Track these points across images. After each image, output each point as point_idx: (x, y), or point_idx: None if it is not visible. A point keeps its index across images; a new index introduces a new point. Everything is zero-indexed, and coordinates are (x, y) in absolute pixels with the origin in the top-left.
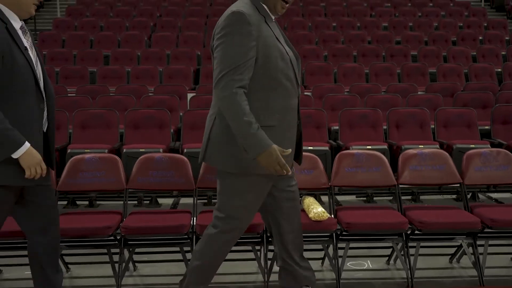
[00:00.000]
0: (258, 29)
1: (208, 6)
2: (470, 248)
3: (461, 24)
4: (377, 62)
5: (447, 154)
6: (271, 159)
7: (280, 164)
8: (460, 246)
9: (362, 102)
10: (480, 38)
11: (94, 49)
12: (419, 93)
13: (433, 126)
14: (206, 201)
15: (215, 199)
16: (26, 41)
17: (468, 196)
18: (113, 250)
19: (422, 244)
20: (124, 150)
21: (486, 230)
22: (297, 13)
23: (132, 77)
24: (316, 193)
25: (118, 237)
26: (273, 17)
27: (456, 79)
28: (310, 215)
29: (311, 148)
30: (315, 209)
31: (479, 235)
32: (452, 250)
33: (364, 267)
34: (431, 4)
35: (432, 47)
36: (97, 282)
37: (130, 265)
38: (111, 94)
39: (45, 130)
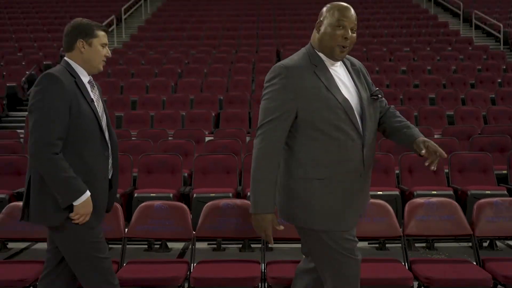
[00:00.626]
0: (298, 81)
1: (233, 53)
2: None
3: (480, 67)
4: (394, 105)
5: (456, 204)
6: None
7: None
8: None
9: (377, 146)
10: (499, 80)
11: (124, 95)
12: (435, 136)
13: (447, 171)
14: (215, 246)
15: (225, 244)
16: (93, 94)
17: (486, 244)
18: None
19: None
20: (135, 195)
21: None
22: None
23: (155, 121)
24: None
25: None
26: (334, 63)
27: (474, 121)
28: None
29: (381, 193)
30: None
31: None
32: None
33: None
34: (449, 48)
35: (450, 90)
36: None
37: None
38: (132, 138)
39: (110, 177)
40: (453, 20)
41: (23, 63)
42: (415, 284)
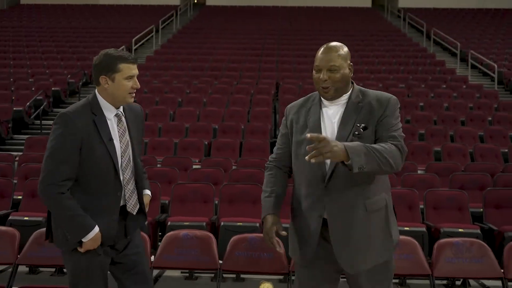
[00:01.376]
0: (291, 116)
1: (234, 84)
2: None
3: (472, 105)
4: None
5: (415, 243)
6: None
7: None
8: None
9: None
10: (489, 119)
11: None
12: (418, 172)
13: (422, 207)
14: (187, 274)
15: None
16: (118, 129)
17: (459, 282)
18: None
19: None
20: (169, 223)
21: None
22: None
23: (149, 148)
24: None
25: None
26: (331, 102)
27: (460, 159)
28: None
29: (407, 229)
30: None
31: None
32: None
33: None
34: (444, 86)
35: (439, 127)
36: None
37: None
38: (158, 165)
39: (135, 213)
40: (450, 59)
41: (33, 89)
42: None
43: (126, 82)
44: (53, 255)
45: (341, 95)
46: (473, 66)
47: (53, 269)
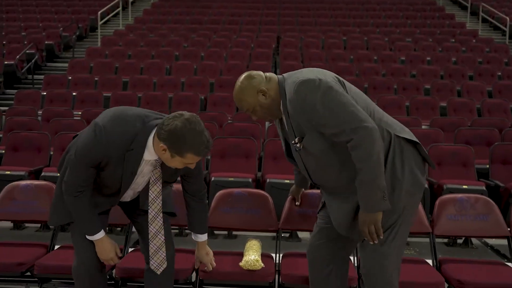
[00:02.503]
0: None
1: (234, 38)
2: None
3: (481, 60)
4: (386, 95)
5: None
6: None
7: None
8: None
9: None
10: (499, 74)
11: (117, 75)
12: (422, 127)
13: None
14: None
15: None
16: (152, 174)
17: (461, 241)
18: None
19: None
20: (213, 179)
21: None
22: (316, 45)
23: (142, 102)
24: None
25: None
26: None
27: (467, 114)
28: (240, 263)
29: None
30: (249, 255)
31: None
32: None
33: None
34: (453, 40)
35: (446, 81)
36: None
37: None
38: None
39: (159, 272)
40: (460, 13)
41: (25, 42)
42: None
43: (180, 164)
44: (29, 211)
45: (279, 112)
46: (484, 20)
47: (39, 225)
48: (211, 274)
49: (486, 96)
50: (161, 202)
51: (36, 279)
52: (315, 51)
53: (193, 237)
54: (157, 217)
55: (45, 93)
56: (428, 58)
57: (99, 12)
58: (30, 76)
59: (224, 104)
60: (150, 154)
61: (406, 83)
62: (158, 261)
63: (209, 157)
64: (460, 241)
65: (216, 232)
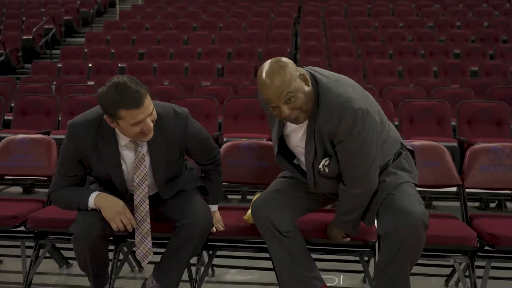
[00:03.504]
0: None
1: (253, 8)
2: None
3: None
4: (412, 59)
5: (443, 148)
6: None
7: None
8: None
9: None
10: None
11: (134, 46)
12: (452, 86)
13: (454, 124)
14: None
15: None
16: (135, 157)
17: (494, 205)
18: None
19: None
20: (225, 139)
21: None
22: (339, 13)
23: (158, 71)
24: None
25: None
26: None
27: (501, 77)
28: (244, 216)
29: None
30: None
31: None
32: None
33: None
34: (485, 5)
35: (477, 45)
36: None
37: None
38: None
39: (145, 262)
40: None
41: (44, 18)
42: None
43: (133, 128)
44: (26, 164)
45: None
46: None
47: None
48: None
49: None
50: (146, 188)
51: (32, 235)
52: (337, 19)
53: None
54: (143, 203)
55: (60, 65)
56: (458, 24)
57: None
58: (48, 51)
59: (241, 72)
60: (124, 139)
61: (434, 47)
62: (143, 251)
63: (221, 120)
64: (492, 204)
65: (229, 196)
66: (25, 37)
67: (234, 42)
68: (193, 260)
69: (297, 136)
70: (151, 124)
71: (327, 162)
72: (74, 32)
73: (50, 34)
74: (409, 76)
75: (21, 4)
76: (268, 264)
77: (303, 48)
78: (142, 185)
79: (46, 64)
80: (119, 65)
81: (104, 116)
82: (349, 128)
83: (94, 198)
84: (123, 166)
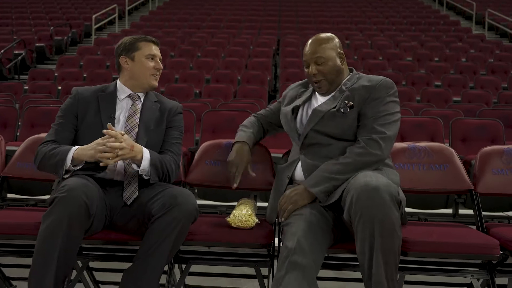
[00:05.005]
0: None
1: (234, 37)
2: None
3: (492, 60)
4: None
5: (451, 150)
6: None
7: None
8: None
9: None
10: None
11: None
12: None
13: (447, 144)
14: None
15: None
16: (129, 111)
17: None
18: None
19: None
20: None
21: None
22: None
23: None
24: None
25: None
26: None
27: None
28: (227, 218)
29: None
30: (239, 210)
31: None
32: None
33: None
34: (460, 43)
35: (458, 76)
36: None
37: None
38: None
39: (129, 203)
40: (465, 22)
41: (14, 45)
42: None
43: (148, 61)
44: None
45: (335, 88)
46: (490, 29)
47: None
48: (189, 236)
49: (501, 90)
50: (135, 135)
51: None
52: None
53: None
54: (132, 131)
55: (27, 87)
56: (436, 59)
57: (94, 16)
58: (17, 77)
59: (220, 95)
60: (123, 93)
61: (415, 77)
62: (130, 192)
63: (198, 138)
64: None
65: (207, 203)
66: None
67: (213, 69)
68: (162, 279)
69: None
70: (161, 65)
71: (350, 104)
72: (46, 59)
73: (20, 58)
74: None
75: None
76: (254, 284)
77: (284, 75)
78: (131, 132)
79: (12, 85)
80: None
81: (120, 57)
82: (388, 88)
83: (74, 151)
84: (116, 119)
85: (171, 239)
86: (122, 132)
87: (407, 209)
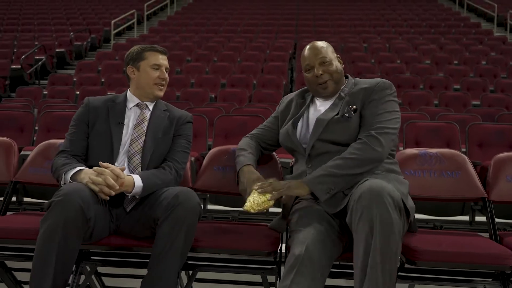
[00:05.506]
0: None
1: (251, 41)
2: None
3: None
4: (411, 90)
5: (464, 157)
6: None
7: None
8: None
9: None
10: None
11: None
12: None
13: (464, 150)
14: None
15: None
16: (137, 119)
17: None
18: None
19: None
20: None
21: None
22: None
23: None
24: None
25: None
26: (320, 99)
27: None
28: (244, 206)
29: None
30: (253, 195)
31: None
32: None
33: None
34: (480, 46)
35: (477, 79)
36: None
37: None
38: None
39: (128, 209)
40: (486, 24)
41: (35, 50)
42: None
43: (152, 71)
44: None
45: (339, 90)
46: None
47: None
48: (194, 242)
49: None
50: (142, 143)
51: None
52: None
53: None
54: (136, 155)
55: (46, 92)
56: (456, 62)
57: (113, 21)
58: (37, 82)
59: (235, 100)
60: (131, 102)
61: (434, 80)
62: (129, 199)
63: (210, 143)
64: None
65: (215, 207)
66: (13, 66)
67: (229, 73)
68: None
69: (318, 113)
70: (166, 75)
71: (354, 107)
72: (66, 64)
73: (40, 63)
74: (410, 106)
75: (14, 36)
76: None
77: (300, 79)
78: (139, 140)
79: (32, 90)
80: (108, 93)
81: (127, 66)
82: (386, 88)
83: (72, 173)
84: (125, 126)
85: (180, 240)
86: (116, 169)
87: (422, 216)
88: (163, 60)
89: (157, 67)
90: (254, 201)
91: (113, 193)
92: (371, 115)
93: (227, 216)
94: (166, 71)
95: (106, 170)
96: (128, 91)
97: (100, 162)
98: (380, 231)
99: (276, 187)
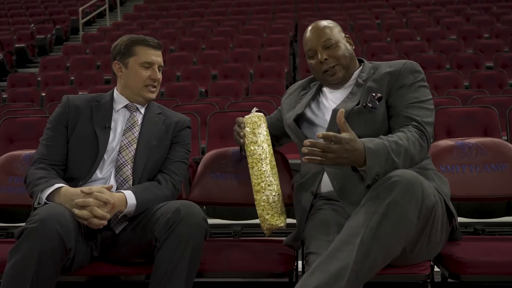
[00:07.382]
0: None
1: (245, 24)
2: None
3: None
4: (436, 71)
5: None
6: None
7: None
8: None
9: None
10: None
11: None
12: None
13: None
14: None
15: None
16: (126, 123)
17: None
18: None
19: None
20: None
21: None
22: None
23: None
24: None
25: None
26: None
27: None
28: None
29: None
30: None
31: None
32: None
33: None
34: None
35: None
36: None
37: None
38: None
39: (117, 231)
40: None
41: None
42: None
43: (142, 70)
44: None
45: (350, 76)
46: None
47: None
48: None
49: None
50: (133, 151)
51: None
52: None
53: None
54: (126, 165)
55: (6, 95)
56: (486, 35)
57: (81, 9)
58: None
59: (230, 93)
60: (119, 103)
61: (462, 59)
62: (118, 218)
63: (204, 145)
64: None
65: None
66: None
67: (220, 62)
68: None
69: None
70: (159, 75)
71: (378, 95)
72: (28, 61)
73: None
74: (436, 90)
75: None
76: None
77: (304, 65)
78: (129, 147)
79: None
80: (80, 93)
81: (113, 62)
82: (414, 71)
83: (49, 192)
84: (112, 130)
85: (184, 263)
86: (103, 188)
87: (460, 219)
88: (156, 56)
89: (149, 65)
90: (268, 221)
91: (105, 223)
92: (404, 105)
93: (229, 230)
94: (160, 70)
95: (90, 199)
96: (115, 89)
97: (81, 189)
98: (388, 213)
99: (316, 153)
